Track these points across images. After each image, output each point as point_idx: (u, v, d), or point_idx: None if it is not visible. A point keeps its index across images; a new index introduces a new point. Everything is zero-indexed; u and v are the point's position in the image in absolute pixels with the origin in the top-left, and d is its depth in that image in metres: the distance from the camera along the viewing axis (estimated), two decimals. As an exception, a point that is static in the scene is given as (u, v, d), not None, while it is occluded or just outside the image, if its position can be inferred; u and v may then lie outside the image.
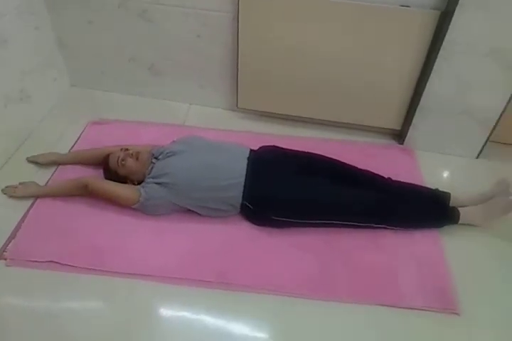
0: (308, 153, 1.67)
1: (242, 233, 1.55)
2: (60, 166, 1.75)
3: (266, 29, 1.77)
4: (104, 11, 1.88)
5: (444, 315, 1.34)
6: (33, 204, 1.59)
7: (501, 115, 1.78)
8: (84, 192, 1.58)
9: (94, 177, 1.64)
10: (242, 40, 1.81)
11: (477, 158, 1.95)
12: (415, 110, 1.84)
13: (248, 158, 1.59)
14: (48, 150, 1.79)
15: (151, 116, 2.06)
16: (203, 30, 1.87)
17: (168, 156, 1.60)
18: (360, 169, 1.65)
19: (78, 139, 1.90)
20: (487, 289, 1.44)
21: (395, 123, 1.97)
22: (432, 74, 1.71)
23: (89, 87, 2.18)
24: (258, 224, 1.57)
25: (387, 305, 1.36)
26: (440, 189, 1.65)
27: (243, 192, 1.51)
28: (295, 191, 1.51)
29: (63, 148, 1.84)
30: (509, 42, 1.57)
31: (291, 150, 1.68)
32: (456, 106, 1.80)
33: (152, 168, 1.60)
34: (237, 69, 1.92)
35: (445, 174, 1.89)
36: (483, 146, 1.90)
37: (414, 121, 1.88)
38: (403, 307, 1.35)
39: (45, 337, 1.25)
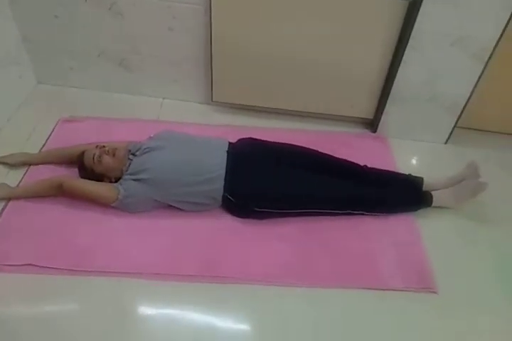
0: (286, 144, 1.69)
1: (225, 226, 1.55)
2: (32, 166, 1.69)
3: (238, 21, 1.76)
4: (70, 4, 1.82)
5: (422, 295, 1.40)
6: (5, 207, 1.53)
7: (467, 102, 1.86)
8: (59, 192, 1.53)
9: (68, 176, 1.60)
10: (215, 33, 1.80)
11: (446, 143, 2.03)
12: (387, 99, 1.90)
13: (227, 151, 1.59)
14: (17, 150, 1.72)
15: (123, 112, 2.01)
16: (174, 23, 1.84)
17: (146, 152, 1.58)
18: (337, 158, 1.69)
19: (49, 138, 1.84)
20: (462, 268, 1.51)
21: (367, 112, 2.02)
22: (401, 64, 1.76)
23: (57, 83, 2.11)
24: (240, 216, 1.57)
25: (368, 288, 1.40)
26: (413, 174, 1.71)
27: (224, 185, 1.51)
28: (275, 182, 1.53)
29: (33, 147, 1.78)
30: (475, 31, 1.63)
31: (269, 141, 1.69)
32: (425, 94, 1.86)
33: (130, 164, 1.58)
34: (211, 62, 1.91)
35: (416, 159, 1.96)
36: (451, 132, 1.99)
37: (386, 109, 1.93)
38: (384, 289, 1.40)
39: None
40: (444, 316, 1.37)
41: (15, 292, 1.32)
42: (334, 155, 1.70)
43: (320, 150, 1.70)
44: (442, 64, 1.74)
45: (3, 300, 1.30)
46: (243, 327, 1.31)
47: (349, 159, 1.70)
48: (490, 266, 1.53)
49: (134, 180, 1.50)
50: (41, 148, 1.79)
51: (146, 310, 1.32)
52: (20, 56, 1.98)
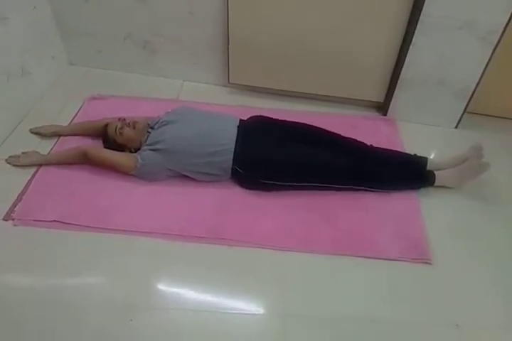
0: (294, 122, 1.78)
1: (234, 196, 1.65)
2: (61, 137, 1.85)
3: (255, 4, 1.86)
4: (99, -11, 1.97)
5: (417, 265, 1.47)
6: (37, 171, 1.69)
7: (476, 86, 1.89)
8: (84, 160, 1.68)
9: (92, 145, 1.75)
10: (232, 16, 1.91)
11: (456, 128, 2.06)
12: (396, 83, 1.95)
13: (238, 126, 1.69)
14: (49, 123, 1.89)
15: (146, 92, 2.15)
16: (194, 7, 1.96)
17: (163, 125, 1.70)
18: (344, 136, 1.76)
19: (77, 113, 2.00)
20: (457, 243, 1.56)
21: (378, 95, 2.08)
22: (410, 48, 1.81)
23: (87, 65, 2.27)
24: (248, 188, 1.68)
25: (366, 257, 1.48)
26: (418, 155, 1.76)
27: (233, 157, 1.61)
28: (281, 155, 1.62)
29: (64, 121, 1.94)
30: (482, 14, 1.67)
31: (278, 119, 1.78)
32: (434, 78, 1.91)
33: (148, 136, 1.71)
34: (228, 45, 2.01)
35: (425, 143, 1.99)
36: (461, 117, 2.02)
37: (396, 93, 1.99)
38: (380, 258, 1.47)
39: (46, 291, 1.34)
40: (435, 286, 1.43)
41: (41, 245, 1.47)
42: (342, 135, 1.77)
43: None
44: (451, 48, 1.79)
45: (30, 252, 1.45)
46: (243, 285, 1.39)
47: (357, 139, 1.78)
48: (486, 243, 1.57)
49: (151, 150, 1.63)
50: (70, 122, 1.95)
51: (156, 265, 1.43)
52: (54, 39, 2.15)
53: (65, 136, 1.85)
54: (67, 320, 1.27)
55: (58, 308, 1.29)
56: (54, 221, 1.51)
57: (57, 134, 1.85)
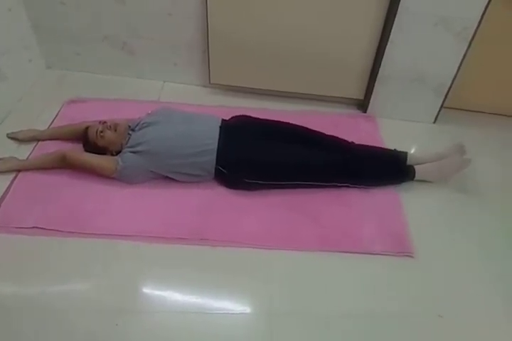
0: (276, 121, 1.78)
1: (217, 196, 1.65)
2: (40, 142, 1.81)
3: (234, 3, 1.85)
4: (75, -10, 1.94)
5: (400, 259, 1.49)
6: (15, 177, 1.65)
7: (453, 82, 1.93)
8: (63, 164, 1.64)
9: (72, 149, 1.72)
10: (211, 16, 1.90)
11: (434, 123, 2.10)
12: (375, 79, 1.97)
13: (220, 127, 1.69)
14: (27, 127, 1.85)
15: (126, 94, 2.13)
16: (173, 8, 1.94)
17: (144, 127, 1.69)
18: (325, 134, 1.77)
19: (56, 117, 1.96)
20: (438, 236, 1.59)
21: (358, 93, 2.10)
22: (388, 44, 1.84)
23: (64, 68, 2.23)
24: (232, 188, 1.67)
25: (351, 252, 1.49)
26: (398, 150, 1.79)
27: (216, 157, 1.61)
28: (264, 154, 1.63)
29: (42, 125, 1.90)
30: (457, 10, 1.70)
31: (260, 118, 1.79)
32: (412, 75, 1.93)
33: (129, 138, 1.69)
34: (208, 45, 2.01)
35: (404, 138, 2.01)
36: (438, 112, 2.05)
37: (375, 90, 2.01)
38: (363, 253, 1.49)
39: (32, 297, 1.32)
40: (418, 278, 1.45)
41: (24, 252, 1.44)
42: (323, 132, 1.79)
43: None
44: (427, 44, 1.81)
45: (12, 259, 1.42)
46: (228, 285, 1.39)
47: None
48: (467, 236, 1.60)
49: (132, 152, 1.62)
50: (49, 126, 1.92)
51: (141, 268, 1.42)
52: (30, 42, 2.11)
53: (44, 140, 1.82)
54: (55, 326, 1.25)
55: (46, 314, 1.27)
56: (34, 227, 1.49)
57: (35, 139, 1.82)
